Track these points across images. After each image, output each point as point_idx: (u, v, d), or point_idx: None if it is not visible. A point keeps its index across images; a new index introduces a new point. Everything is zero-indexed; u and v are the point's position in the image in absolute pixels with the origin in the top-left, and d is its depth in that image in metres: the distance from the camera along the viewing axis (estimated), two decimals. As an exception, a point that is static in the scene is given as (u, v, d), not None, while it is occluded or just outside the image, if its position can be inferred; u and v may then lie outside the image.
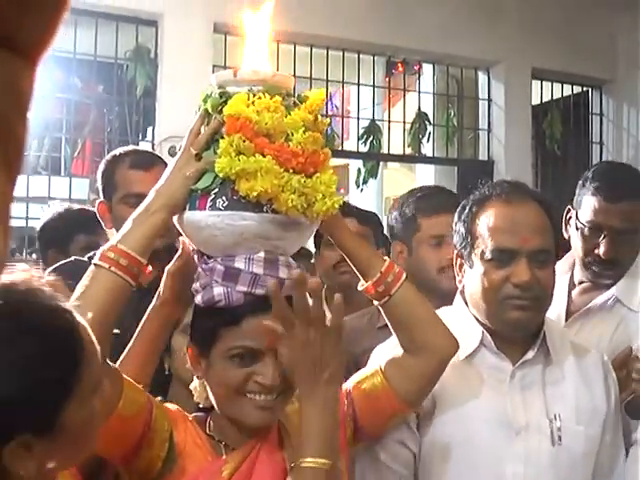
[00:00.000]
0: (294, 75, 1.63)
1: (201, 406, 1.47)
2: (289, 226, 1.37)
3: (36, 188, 4.49)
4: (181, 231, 1.45)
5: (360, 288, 1.54)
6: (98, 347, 1.10)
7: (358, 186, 6.11)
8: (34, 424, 1.01)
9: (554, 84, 5.94)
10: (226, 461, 1.37)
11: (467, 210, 1.72)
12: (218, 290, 1.35)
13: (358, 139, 5.52)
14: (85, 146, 5.55)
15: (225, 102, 1.38)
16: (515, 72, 5.64)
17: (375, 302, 1.54)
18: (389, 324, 1.54)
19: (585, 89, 6.17)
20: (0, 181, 0.56)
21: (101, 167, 2.24)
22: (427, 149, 5.71)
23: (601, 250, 2.04)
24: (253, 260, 1.36)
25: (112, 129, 4.99)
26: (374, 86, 5.49)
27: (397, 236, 2.21)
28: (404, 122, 5.62)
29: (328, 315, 1.34)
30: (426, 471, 1.65)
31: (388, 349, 1.61)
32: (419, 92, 5.67)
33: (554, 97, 5.97)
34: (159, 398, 1.45)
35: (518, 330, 1.67)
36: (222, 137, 1.36)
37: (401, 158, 6.15)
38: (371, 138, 5.49)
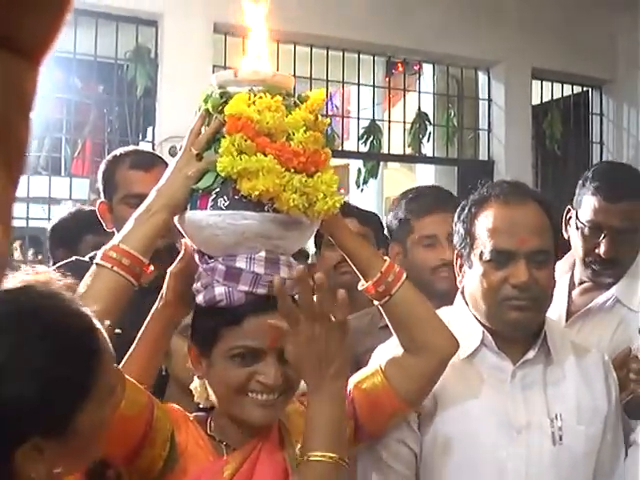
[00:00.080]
0: (294, 75, 1.63)
1: (201, 406, 1.47)
2: (290, 225, 1.38)
3: (36, 188, 4.49)
4: (182, 231, 1.45)
5: (360, 288, 1.54)
6: (114, 354, 1.11)
7: (358, 186, 6.11)
8: (48, 427, 1.01)
9: (554, 84, 5.94)
10: (227, 461, 1.37)
11: (466, 211, 1.72)
12: (219, 290, 1.35)
13: (358, 139, 5.52)
14: (85, 146, 5.55)
15: (226, 102, 1.39)
16: (515, 72, 5.64)
17: (375, 302, 1.54)
18: (389, 324, 1.55)
19: (585, 89, 6.17)
20: (1, 182, 0.56)
21: (102, 167, 2.24)
22: (427, 149, 5.70)
23: (601, 250, 2.04)
24: (254, 260, 1.36)
25: (112, 129, 4.99)
26: (374, 86, 5.49)
27: (394, 238, 2.22)
28: (404, 122, 5.61)
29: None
30: (427, 470, 1.65)
31: (389, 349, 1.61)
32: (419, 92, 5.67)
33: (554, 97, 5.97)
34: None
35: (518, 330, 1.67)
36: (223, 137, 1.37)
37: (401, 158, 6.15)
38: (371, 138, 5.49)
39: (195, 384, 1.47)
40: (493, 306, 1.65)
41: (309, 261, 3.29)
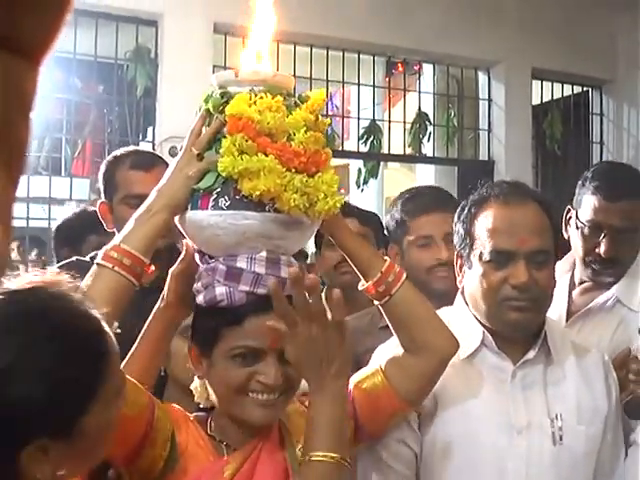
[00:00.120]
0: (294, 75, 1.63)
1: (201, 406, 1.47)
2: (291, 225, 1.38)
3: (37, 188, 4.50)
4: (182, 231, 1.45)
5: (361, 288, 1.54)
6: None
7: (358, 186, 6.11)
8: (55, 428, 1.01)
9: (554, 84, 5.94)
10: (228, 461, 1.38)
11: (466, 211, 1.72)
12: (220, 290, 1.35)
13: (358, 139, 5.52)
14: (85, 146, 5.55)
15: (227, 102, 1.39)
16: (515, 72, 5.64)
17: (375, 302, 1.54)
18: (389, 324, 1.55)
19: (585, 89, 6.17)
20: (1, 182, 0.56)
21: (102, 168, 2.24)
22: (427, 149, 5.70)
23: (601, 249, 2.04)
24: (255, 260, 1.36)
25: (112, 129, 4.99)
26: (374, 86, 5.49)
27: (392, 239, 2.23)
28: (404, 122, 5.61)
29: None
30: (428, 470, 1.65)
31: (389, 349, 1.61)
32: (419, 92, 5.67)
33: (554, 97, 5.97)
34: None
35: (517, 331, 1.67)
36: (224, 137, 1.37)
37: (401, 158, 6.15)
38: (371, 138, 5.49)
39: (195, 384, 1.47)
40: (493, 306, 1.65)
41: (308, 261, 3.29)
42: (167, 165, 1.64)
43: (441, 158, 5.75)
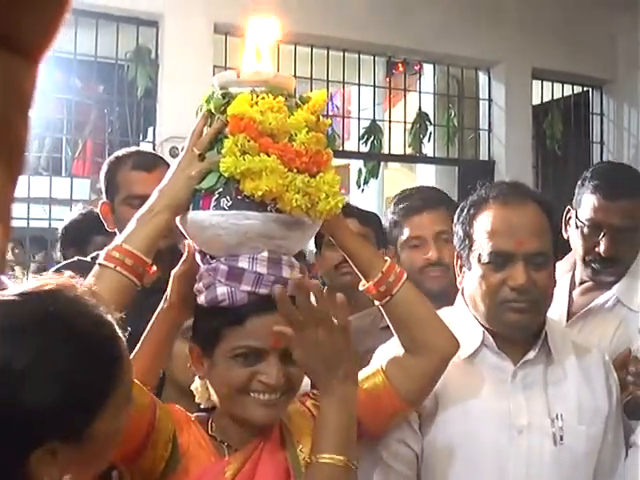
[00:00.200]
0: (294, 75, 1.63)
1: (202, 407, 1.47)
2: (293, 225, 1.38)
3: (37, 189, 4.50)
4: (183, 231, 1.45)
5: (361, 288, 1.54)
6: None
7: (359, 186, 6.11)
8: (67, 431, 1.01)
9: (554, 84, 5.94)
10: (229, 462, 1.38)
11: (465, 212, 1.72)
12: (222, 290, 1.36)
13: (359, 139, 5.52)
14: (86, 147, 5.56)
15: (228, 103, 1.39)
16: (515, 72, 5.64)
17: (376, 302, 1.54)
18: (390, 324, 1.55)
19: (585, 89, 6.17)
20: (1, 180, 0.56)
21: (104, 168, 2.24)
22: (428, 149, 5.70)
23: (601, 248, 2.04)
24: (257, 260, 1.36)
25: (113, 130, 5.00)
26: (375, 86, 5.48)
27: (389, 240, 2.24)
28: (405, 122, 5.61)
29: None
30: (428, 470, 1.65)
31: (390, 349, 1.61)
32: (420, 92, 5.67)
33: (554, 97, 5.97)
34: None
35: (517, 332, 1.67)
36: (225, 137, 1.37)
37: (402, 158, 6.15)
38: (372, 138, 5.49)
39: (196, 384, 1.47)
40: (492, 308, 1.65)
41: (306, 259, 3.28)
42: (169, 166, 1.64)
43: (441, 158, 5.75)
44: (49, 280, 1.09)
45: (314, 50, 5.08)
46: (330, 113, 5.90)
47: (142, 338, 1.48)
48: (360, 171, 6.11)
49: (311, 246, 2.77)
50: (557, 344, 1.71)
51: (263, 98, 1.36)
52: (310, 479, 1.34)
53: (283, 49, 4.43)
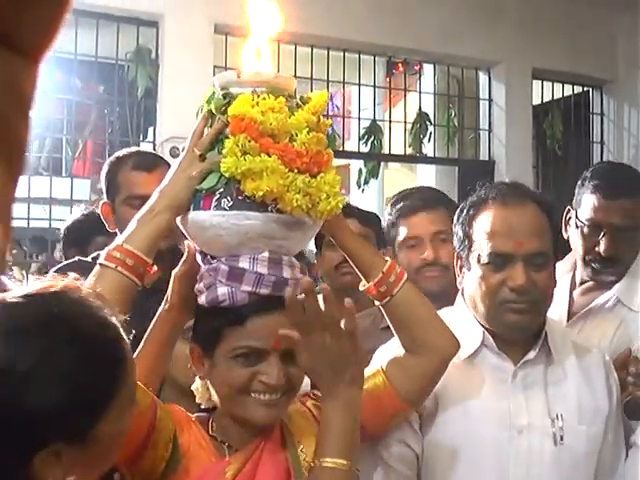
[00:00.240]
0: (295, 75, 1.63)
1: (203, 407, 1.47)
2: (293, 226, 1.38)
3: (37, 189, 4.50)
4: (184, 232, 1.45)
5: (362, 288, 1.54)
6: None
7: (359, 186, 6.12)
8: (71, 432, 1.01)
9: (555, 84, 5.94)
10: (229, 462, 1.38)
11: (464, 213, 1.72)
12: (222, 290, 1.35)
13: (359, 139, 5.52)
14: (86, 147, 5.56)
15: (229, 103, 1.39)
16: (516, 72, 5.64)
17: (376, 302, 1.54)
18: (390, 324, 1.55)
19: (586, 89, 6.17)
20: (1, 180, 0.56)
21: (104, 168, 2.24)
22: (428, 149, 5.70)
23: (601, 248, 2.04)
24: (257, 260, 1.36)
25: (113, 130, 5.00)
26: (375, 86, 5.48)
27: (388, 241, 2.24)
28: (405, 122, 5.62)
29: None
30: (429, 471, 1.66)
31: (391, 350, 1.61)
32: (420, 92, 5.67)
33: (555, 97, 5.97)
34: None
35: (517, 333, 1.67)
36: (226, 137, 1.37)
37: (402, 158, 6.15)
38: (372, 138, 5.49)
39: (197, 385, 1.47)
40: (492, 309, 1.65)
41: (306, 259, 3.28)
42: (169, 166, 1.64)
43: (442, 158, 5.75)
44: (53, 282, 1.09)
45: (314, 50, 5.08)
46: (330, 113, 5.90)
47: (144, 339, 1.48)
48: (360, 171, 6.11)
49: (311, 246, 2.77)
50: (557, 344, 1.71)
51: (264, 98, 1.36)
52: None
53: (283, 49, 4.43)
